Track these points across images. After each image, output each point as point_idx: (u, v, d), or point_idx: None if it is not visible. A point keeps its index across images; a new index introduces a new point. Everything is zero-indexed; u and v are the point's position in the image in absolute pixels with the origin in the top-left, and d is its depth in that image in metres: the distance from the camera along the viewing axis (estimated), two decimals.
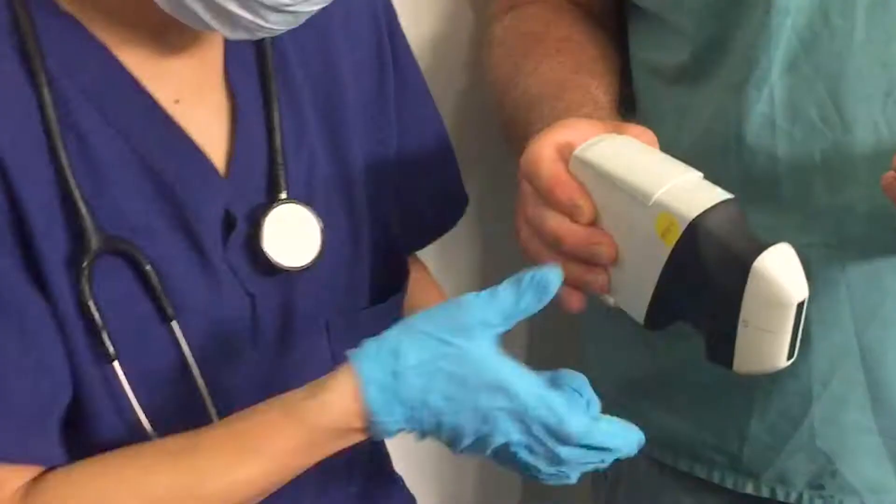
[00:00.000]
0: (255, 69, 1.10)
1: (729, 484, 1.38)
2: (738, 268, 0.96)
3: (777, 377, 1.32)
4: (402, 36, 1.22)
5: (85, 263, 1.00)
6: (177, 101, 1.06)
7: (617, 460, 1.05)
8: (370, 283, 1.17)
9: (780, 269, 0.97)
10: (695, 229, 0.98)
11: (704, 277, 0.98)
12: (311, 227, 1.08)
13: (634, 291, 1.04)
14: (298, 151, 1.10)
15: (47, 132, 0.99)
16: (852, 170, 1.26)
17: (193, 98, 1.07)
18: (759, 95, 1.27)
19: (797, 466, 1.35)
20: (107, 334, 1.01)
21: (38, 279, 0.99)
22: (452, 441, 0.99)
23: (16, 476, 1.00)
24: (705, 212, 0.98)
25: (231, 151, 1.08)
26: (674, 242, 0.98)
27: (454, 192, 1.29)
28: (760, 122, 1.27)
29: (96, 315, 1.01)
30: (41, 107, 0.99)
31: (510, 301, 0.97)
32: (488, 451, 0.99)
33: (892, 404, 1.32)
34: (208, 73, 1.08)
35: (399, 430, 0.99)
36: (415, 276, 1.26)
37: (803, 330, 1.28)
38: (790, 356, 1.00)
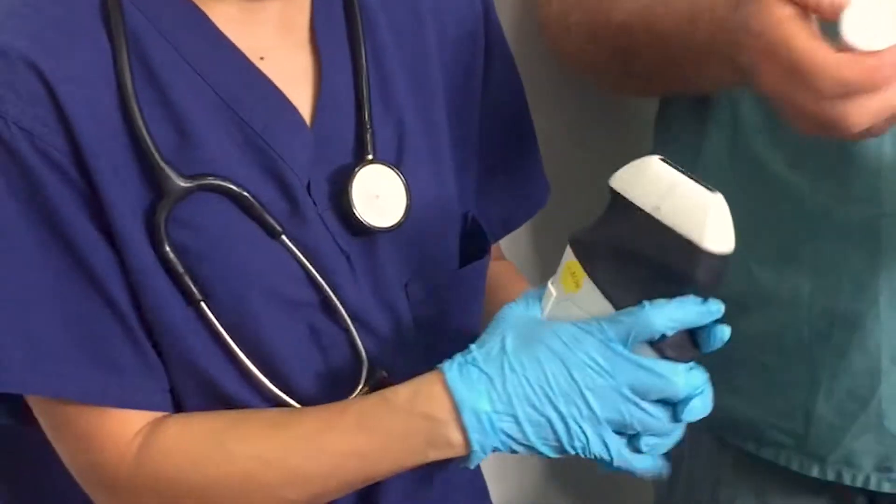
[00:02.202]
0: (344, 31, 1.11)
1: (794, 466, 1.33)
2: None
3: (845, 352, 1.29)
4: (498, 23, 1.22)
5: (163, 209, 1.00)
6: (262, 59, 1.06)
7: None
8: (455, 249, 1.17)
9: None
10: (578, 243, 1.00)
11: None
12: (397, 188, 1.09)
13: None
14: (386, 114, 1.11)
15: (120, 87, 1.00)
16: None
17: (278, 56, 1.07)
18: None
19: (864, 448, 1.30)
20: (189, 278, 1.01)
21: (109, 229, 1.00)
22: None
23: (132, 422, 1.03)
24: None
25: (315, 112, 1.08)
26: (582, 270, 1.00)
27: (533, 183, 1.29)
28: None
29: (172, 257, 1.01)
30: (116, 62, 1.00)
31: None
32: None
33: None
34: (294, 32, 1.09)
35: (494, 427, 0.98)
36: (501, 269, 1.27)
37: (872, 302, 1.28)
38: None
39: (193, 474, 1.02)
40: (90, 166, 0.98)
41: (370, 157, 1.08)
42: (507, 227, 1.27)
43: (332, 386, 1.07)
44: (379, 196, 1.07)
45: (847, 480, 1.31)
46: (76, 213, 0.99)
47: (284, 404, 1.05)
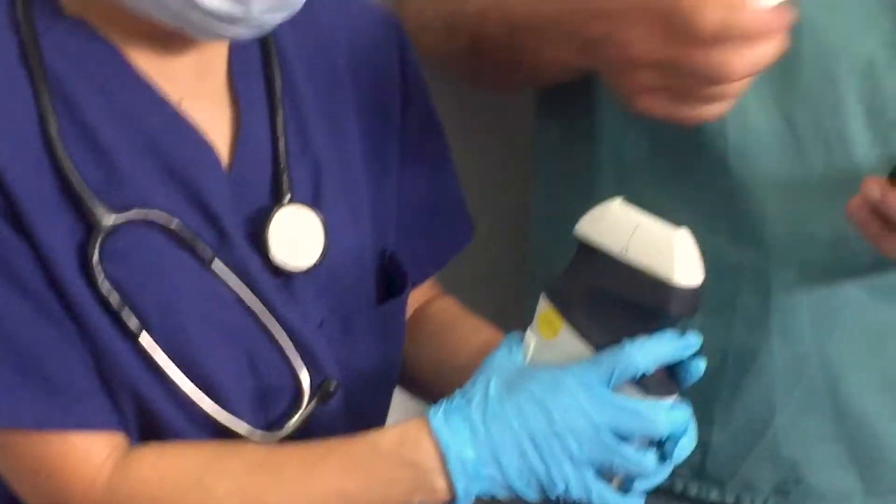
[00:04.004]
0: (261, 77, 1.13)
1: (693, 492, 1.39)
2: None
3: (739, 387, 1.35)
4: (416, 65, 1.25)
5: (94, 244, 1.01)
6: (180, 101, 1.08)
7: None
8: (372, 287, 1.19)
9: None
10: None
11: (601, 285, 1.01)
12: (314, 229, 1.11)
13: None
14: (303, 156, 1.13)
15: (43, 126, 1.01)
16: (805, 184, 1.29)
17: (196, 99, 1.09)
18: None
19: (762, 474, 1.37)
20: (126, 310, 1.02)
21: (46, 270, 1.01)
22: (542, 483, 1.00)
23: (95, 446, 1.03)
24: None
25: (233, 153, 1.10)
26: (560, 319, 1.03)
27: (457, 220, 1.31)
28: (715, 129, 1.29)
29: (109, 294, 1.02)
30: (38, 102, 1.02)
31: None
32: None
33: (853, 413, 1.34)
34: (211, 76, 1.11)
35: (478, 474, 0.99)
36: (441, 305, 1.30)
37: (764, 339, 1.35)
38: None
39: None
40: (15, 202, 0.99)
41: (287, 198, 1.10)
42: (437, 264, 1.28)
43: (274, 408, 1.09)
44: (297, 237, 1.09)
45: (746, 503, 1.38)
46: (14, 243, 0.99)
47: (227, 430, 1.06)
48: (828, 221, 1.29)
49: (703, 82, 1.11)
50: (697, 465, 1.39)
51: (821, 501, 1.36)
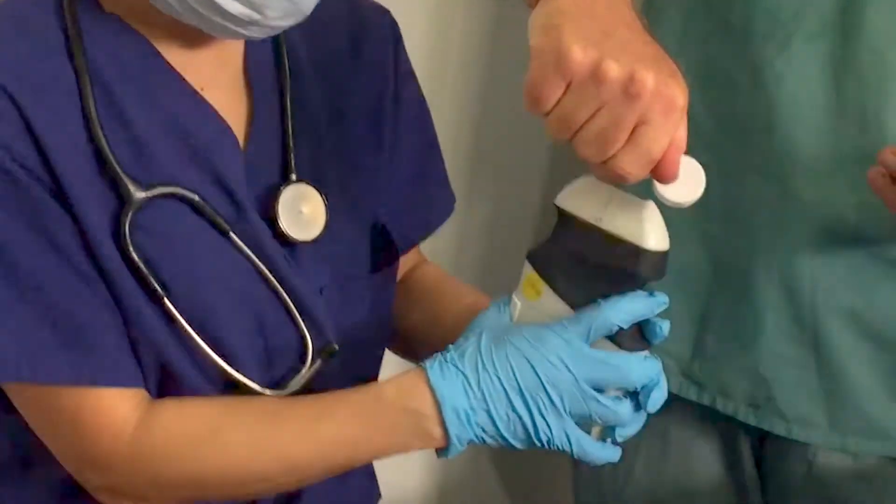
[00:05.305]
0: (272, 67, 1.22)
1: (674, 388, 1.50)
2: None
3: (736, 302, 1.47)
4: (407, 58, 1.33)
5: (126, 216, 1.10)
6: (201, 89, 1.17)
7: None
8: (367, 256, 1.27)
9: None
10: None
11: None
12: (317, 205, 1.20)
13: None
14: (308, 139, 1.22)
15: (84, 111, 1.10)
16: (836, 148, 1.38)
17: (215, 87, 1.18)
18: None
19: (739, 384, 1.49)
20: (153, 277, 1.10)
21: (84, 239, 1.10)
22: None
23: (122, 401, 1.11)
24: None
25: (248, 136, 1.19)
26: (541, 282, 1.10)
27: (442, 193, 1.39)
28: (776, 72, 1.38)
29: (138, 261, 1.09)
30: (80, 90, 1.10)
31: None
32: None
33: (832, 352, 1.45)
34: (229, 67, 1.20)
35: (470, 422, 1.07)
36: (427, 270, 1.39)
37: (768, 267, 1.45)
38: None
39: (190, 460, 1.12)
40: (60, 178, 1.08)
41: (294, 176, 1.19)
42: (423, 233, 1.36)
43: (279, 368, 1.18)
44: (302, 211, 1.19)
45: (719, 407, 1.51)
46: (57, 215, 1.09)
47: (236, 386, 1.14)
48: (847, 187, 1.38)
49: None
50: (687, 363, 1.51)
51: (787, 423, 1.48)
